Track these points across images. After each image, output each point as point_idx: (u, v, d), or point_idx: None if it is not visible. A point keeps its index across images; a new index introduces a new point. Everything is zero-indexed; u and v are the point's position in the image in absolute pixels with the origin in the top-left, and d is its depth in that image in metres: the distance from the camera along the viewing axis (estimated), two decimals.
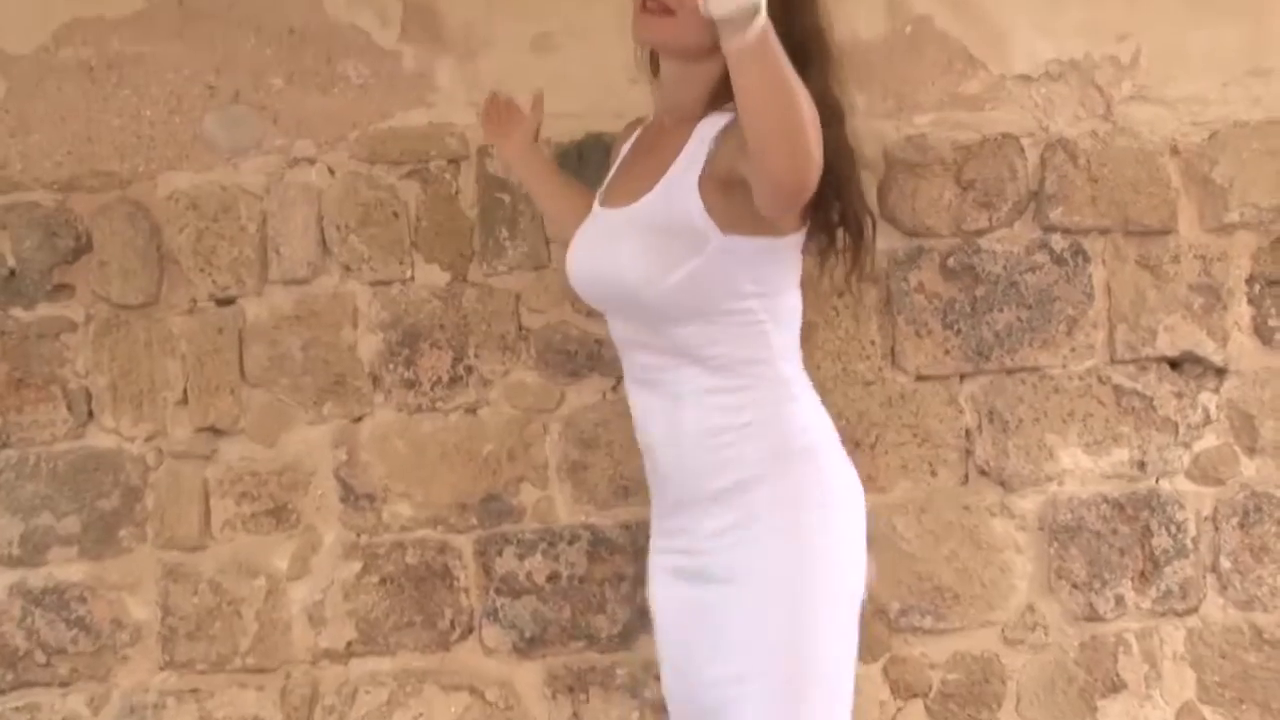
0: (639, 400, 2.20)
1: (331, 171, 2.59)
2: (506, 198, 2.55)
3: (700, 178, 2.04)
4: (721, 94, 2.11)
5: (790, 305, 2.16)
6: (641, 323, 2.13)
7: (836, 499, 2.15)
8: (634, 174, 2.20)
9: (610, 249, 2.13)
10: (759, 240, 2.03)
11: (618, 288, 2.11)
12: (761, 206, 2.01)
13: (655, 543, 2.25)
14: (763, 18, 1.71)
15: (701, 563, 2.12)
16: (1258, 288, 2.64)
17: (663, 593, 2.21)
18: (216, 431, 2.60)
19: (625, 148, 2.31)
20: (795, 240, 2.11)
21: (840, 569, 2.13)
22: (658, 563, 2.23)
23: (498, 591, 2.57)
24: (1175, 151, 2.64)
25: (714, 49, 2.04)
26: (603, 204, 2.22)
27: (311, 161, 2.60)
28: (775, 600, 2.08)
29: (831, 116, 2.10)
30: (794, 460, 2.13)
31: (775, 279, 2.10)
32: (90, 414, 2.61)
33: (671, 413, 2.13)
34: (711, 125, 2.10)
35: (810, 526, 2.10)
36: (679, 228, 2.05)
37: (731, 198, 2.02)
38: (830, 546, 2.12)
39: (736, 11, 1.71)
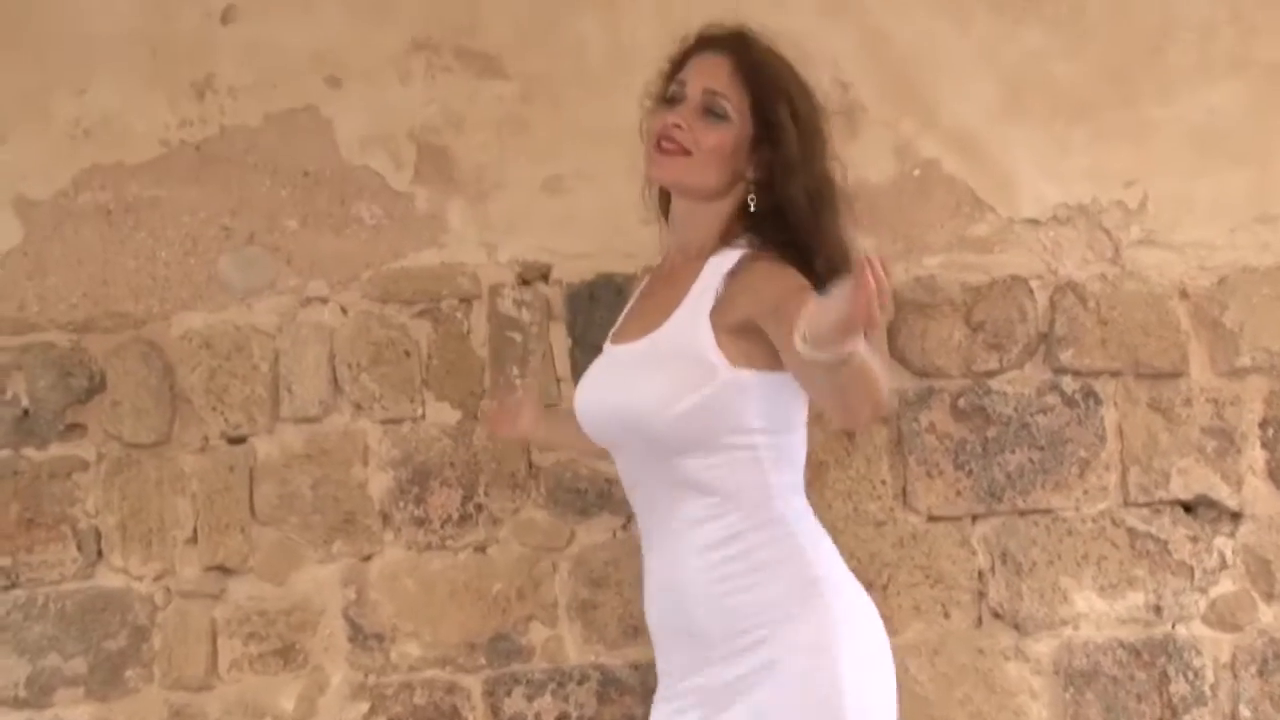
0: (646, 558, 2.17)
1: (344, 311, 2.61)
2: (518, 336, 2.55)
3: (711, 313, 2.04)
4: (731, 230, 2.14)
5: (795, 444, 2.14)
6: (647, 455, 2.10)
7: (853, 632, 2.09)
8: (645, 311, 2.19)
9: (620, 381, 2.13)
10: (767, 375, 2.01)
11: (626, 418, 2.09)
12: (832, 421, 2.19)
13: (666, 696, 2.19)
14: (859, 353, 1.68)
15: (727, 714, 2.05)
16: (1271, 432, 2.63)
17: None
18: (225, 570, 2.59)
19: (637, 292, 2.32)
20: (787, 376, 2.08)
21: (869, 703, 2.08)
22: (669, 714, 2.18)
23: None
24: (1185, 295, 2.65)
25: (727, 189, 2.12)
26: (613, 342, 2.21)
27: (324, 301, 2.62)
28: None
29: (846, 261, 2.11)
30: (805, 600, 2.08)
31: (781, 416, 2.08)
32: (100, 553, 2.60)
33: (675, 559, 2.09)
34: (724, 261, 2.09)
35: (831, 666, 2.05)
36: (689, 358, 2.04)
37: (741, 337, 2.02)
38: (856, 681, 2.07)
39: (829, 359, 1.69)
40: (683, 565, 2.09)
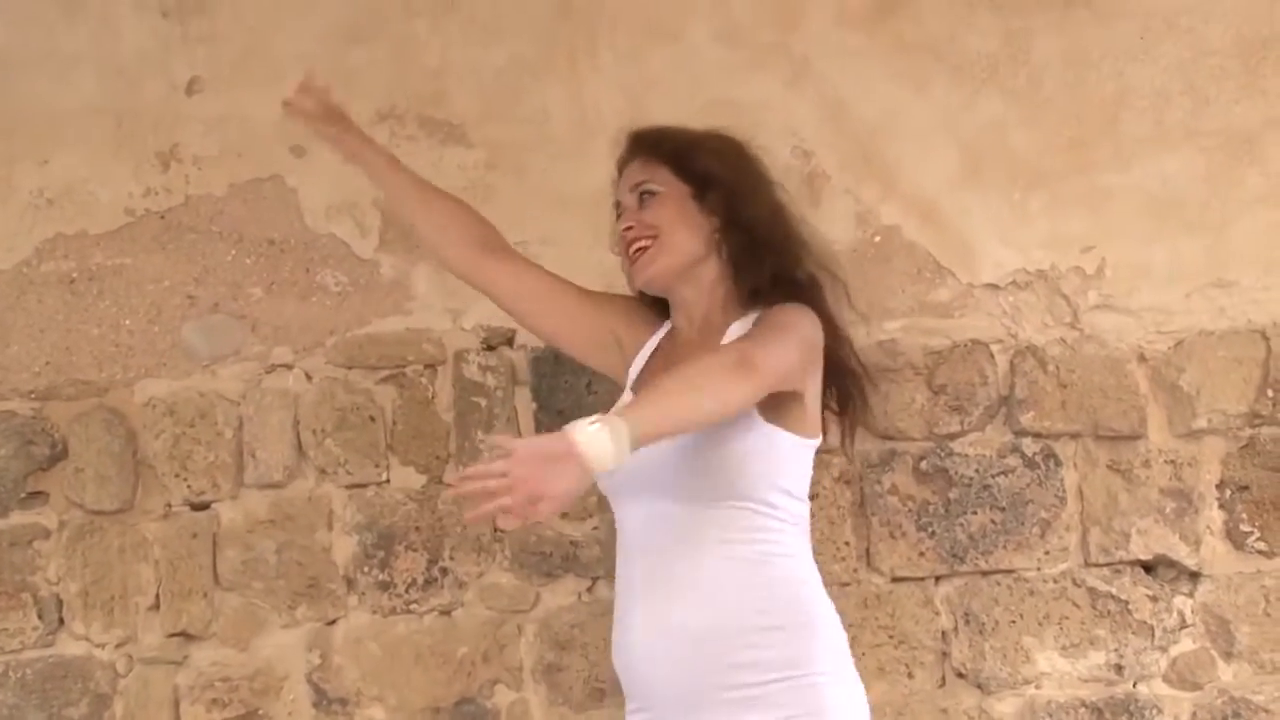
0: (641, 583, 2.09)
1: (309, 377, 2.60)
2: (482, 401, 2.53)
3: None
4: (735, 299, 2.16)
5: (804, 513, 2.13)
6: (674, 503, 2.07)
7: (846, 706, 2.07)
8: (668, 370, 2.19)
9: None
10: (792, 437, 2.03)
11: (662, 467, 2.05)
12: None
13: None
14: (619, 454, 1.75)
15: None
16: (1229, 493, 2.60)
17: None
18: (188, 636, 2.55)
19: (650, 346, 2.26)
20: (815, 445, 2.13)
21: None
22: None
23: None
24: (1142, 359, 2.63)
25: (703, 251, 2.14)
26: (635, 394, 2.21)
27: (289, 367, 2.61)
28: None
29: (814, 297, 2.16)
30: (841, 661, 2.08)
31: (798, 481, 2.10)
32: (61, 621, 2.56)
33: (689, 579, 2.04)
34: (744, 324, 2.11)
35: None
36: None
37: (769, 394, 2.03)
38: None
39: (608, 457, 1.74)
40: (703, 589, 2.04)
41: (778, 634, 2.05)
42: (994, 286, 2.63)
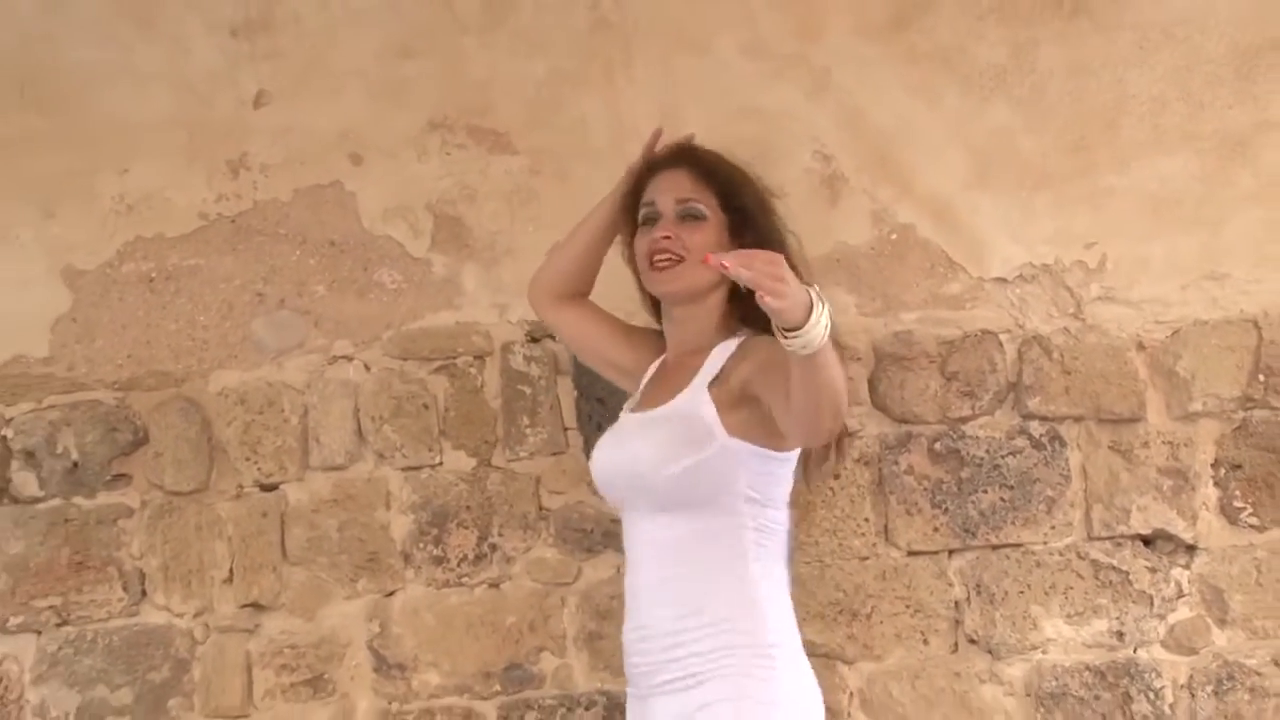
0: (631, 582, 2.17)
1: (367, 368, 2.65)
2: (527, 390, 2.59)
3: (710, 384, 2.07)
4: (726, 322, 2.19)
5: (777, 519, 2.15)
6: (645, 510, 2.12)
7: (786, 701, 2.10)
8: (656, 390, 2.22)
9: (629, 443, 2.14)
10: (760, 450, 2.04)
11: (629, 475, 2.11)
12: (790, 440, 2.06)
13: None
14: (826, 334, 1.75)
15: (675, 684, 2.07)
16: (1223, 471, 2.63)
17: None
18: (259, 607, 2.63)
19: (654, 368, 2.31)
20: (791, 457, 2.12)
21: None
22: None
23: None
24: (1141, 347, 2.66)
25: (719, 282, 2.16)
26: (645, 405, 2.22)
27: (349, 359, 2.66)
28: None
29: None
30: (747, 661, 2.09)
31: (769, 489, 2.10)
32: (144, 592, 2.65)
33: (647, 604, 2.12)
34: (727, 347, 2.14)
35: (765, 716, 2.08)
36: (689, 424, 2.07)
37: (739, 409, 2.05)
38: None
39: (809, 345, 1.74)
40: (651, 598, 2.11)
41: (709, 629, 2.07)
42: (1002, 280, 2.67)
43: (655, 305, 2.32)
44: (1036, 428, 2.64)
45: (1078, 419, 2.65)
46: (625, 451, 2.15)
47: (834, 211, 2.68)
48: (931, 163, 2.68)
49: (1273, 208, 2.69)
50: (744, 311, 2.18)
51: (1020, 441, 2.63)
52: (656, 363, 2.32)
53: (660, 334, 2.35)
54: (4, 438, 2.68)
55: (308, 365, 2.69)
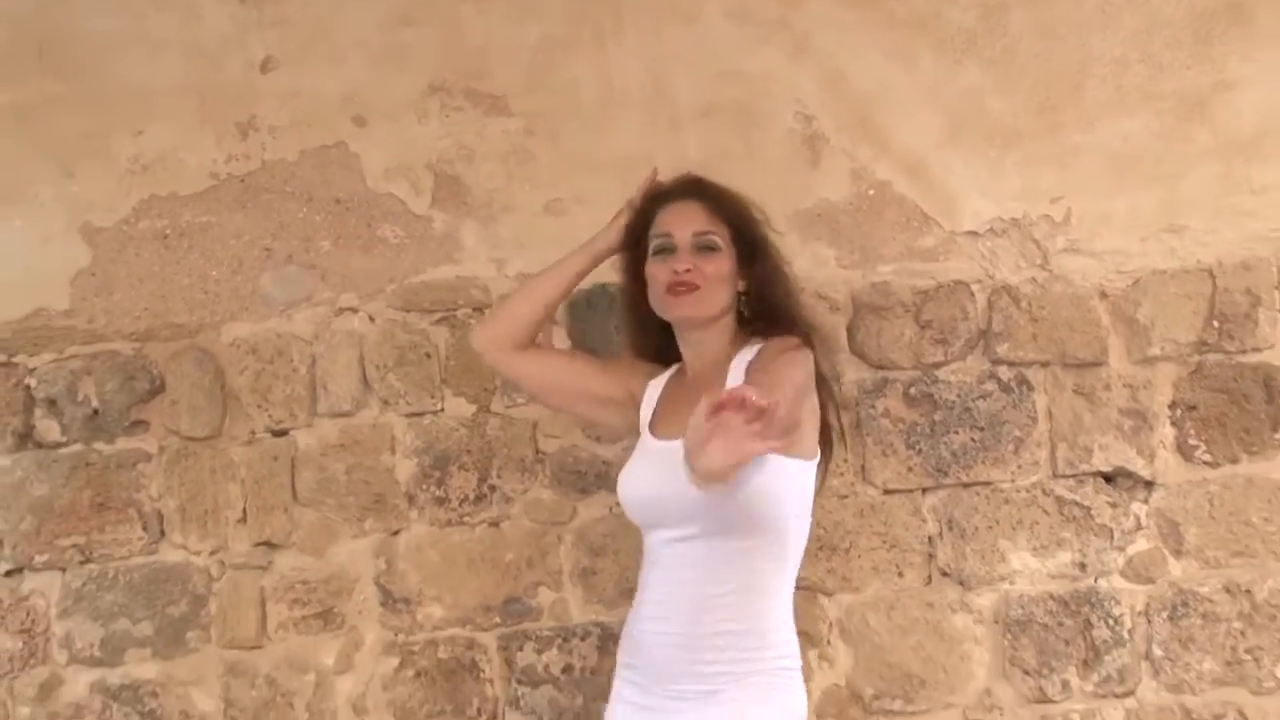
0: (657, 594, 2.17)
1: (372, 319, 2.68)
2: None
3: None
4: (738, 337, 2.26)
5: (805, 530, 2.20)
6: (695, 535, 2.12)
7: (802, 714, 2.16)
8: (683, 411, 2.16)
9: (677, 471, 2.02)
10: (799, 462, 2.10)
11: (685, 506, 2.08)
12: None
13: (623, 680, 2.22)
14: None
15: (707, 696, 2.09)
16: (1179, 412, 2.69)
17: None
18: (272, 545, 2.68)
19: (658, 389, 2.32)
20: (814, 465, 2.18)
21: None
22: (623, 695, 2.22)
23: (519, 682, 2.61)
24: (1104, 296, 2.70)
25: (730, 306, 2.25)
26: (659, 435, 2.23)
27: (354, 311, 2.69)
28: None
29: (817, 324, 2.30)
30: (775, 677, 2.15)
31: (806, 501, 2.17)
32: (162, 532, 2.69)
33: (686, 611, 2.11)
34: (744, 359, 2.21)
35: None
36: None
37: None
38: None
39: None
40: (679, 613, 2.12)
41: (732, 639, 2.11)
42: (973, 234, 2.72)
43: (643, 333, 2.35)
44: (1005, 372, 2.69)
45: (1044, 364, 2.70)
46: (676, 481, 2.02)
47: (815, 170, 2.72)
48: (907, 122, 2.71)
49: (1228, 164, 2.72)
50: (754, 321, 2.27)
51: (990, 385, 2.68)
52: (660, 383, 2.34)
53: (639, 358, 2.40)
54: (28, 387, 2.69)
55: (315, 317, 2.71)
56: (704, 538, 2.13)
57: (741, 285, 2.30)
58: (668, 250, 2.26)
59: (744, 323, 2.33)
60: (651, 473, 2.20)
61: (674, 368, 2.37)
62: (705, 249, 2.26)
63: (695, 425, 1.70)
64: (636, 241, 2.35)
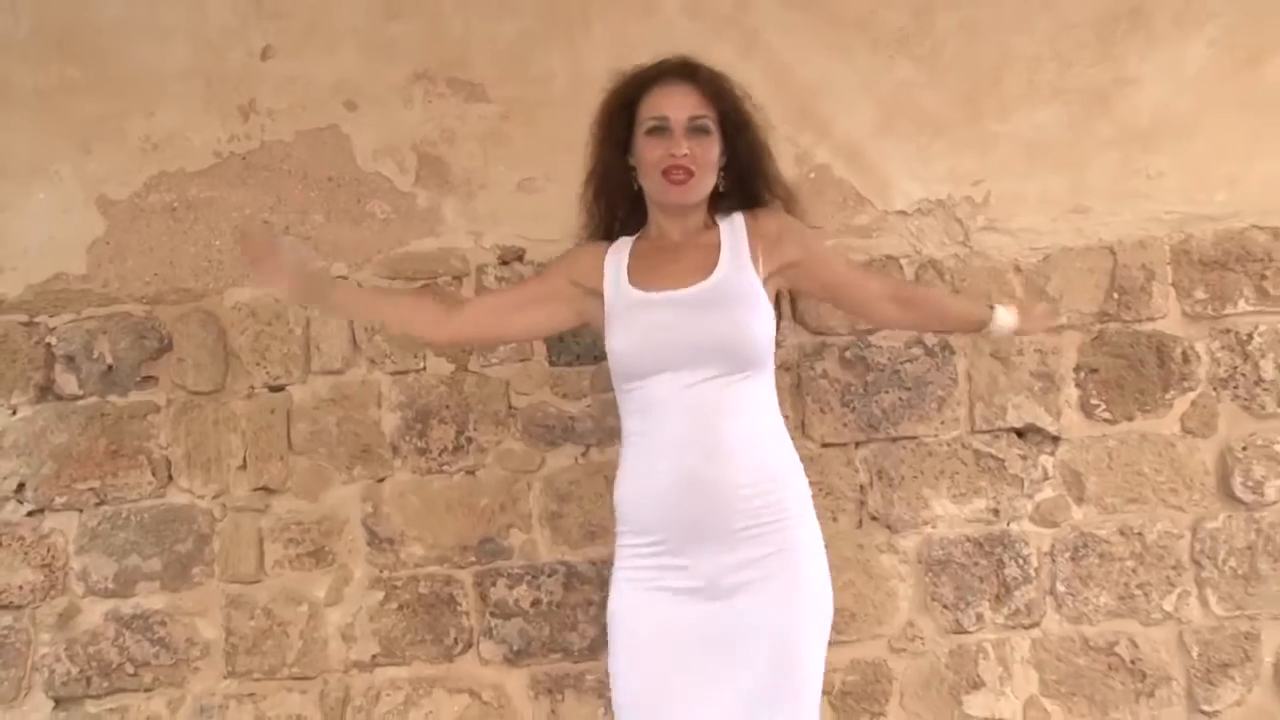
0: (674, 441, 2.15)
1: (361, 286, 2.73)
2: None
3: (753, 263, 2.22)
4: (712, 204, 2.30)
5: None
6: (725, 369, 2.16)
7: (809, 540, 2.24)
8: (674, 269, 2.24)
9: (716, 316, 2.17)
10: (774, 311, 2.24)
11: (733, 339, 2.16)
12: (879, 324, 2.61)
13: (647, 573, 2.19)
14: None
15: (731, 583, 2.13)
16: (1082, 374, 2.78)
17: (667, 613, 2.16)
18: (269, 490, 2.75)
19: (620, 256, 2.29)
20: None
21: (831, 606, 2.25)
22: (651, 586, 2.18)
23: (492, 614, 2.70)
24: (1018, 269, 2.78)
25: (715, 182, 2.28)
26: (650, 289, 2.22)
27: (345, 278, 2.74)
28: (811, 616, 2.19)
29: (789, 190, 2.38)
30: (807, 507, 2.25)
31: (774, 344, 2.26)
32: (170, 477, 2.76)
33: (719, 437, 2.14)
34: (731, 224, 2.27)
35: (822, 562, 2.23)
36: (748, 292, 2.20)
37: (772, 280, 2.25)
38: (830, 585, 2.24)
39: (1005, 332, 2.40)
40: (730, 446, 2.14)
41: (767, 485, 2.18)
42: (903, 213, 2.79)
43: (610, 207, 2.35)
44: (930, 338, 2.77)
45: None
46: (717, 325, 2.15)
47: None
48: (845, 112, 2.78)
49: (1127, 152, 2.79)
50: (731, 196, 2.31)
51: (916, 350, 2.76)
52: (620, 255, 2.30)
53: (594, 237, 2.37)
54: (48, 344, 2.74)
55: None
56: (723, 376, 2.16)
57: (724, 159, 2.28)
58: (660, 131, 2.23)
59: (719, 193, 2.32)
60: (673, 317, 2.18)
61: (629, 239, 2.33)
62: (699, 132, 2.23)
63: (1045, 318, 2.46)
64: (615, 117, 2.31)
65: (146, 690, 2.72)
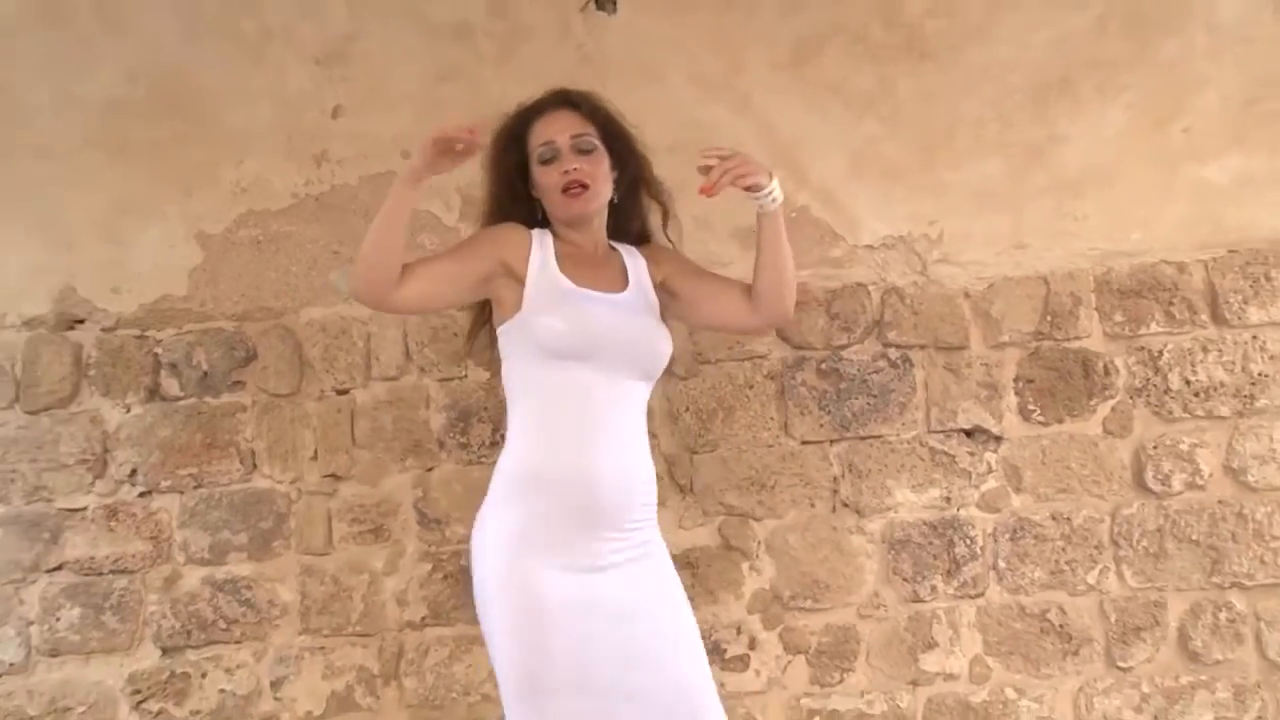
0: (593, 428, 2.14)
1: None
2: None
3: (649, 282, 2.27)
4: (609, 228, 2.33)
5: None
6: (640, 375, 2.20)
7: None
8: (597, 274, 2.25)
9: (643, 322, 2.23)
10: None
11: (651, 351, 2.22)
12: (739, 327, 2.30)
13: (564, 555, 2.12)
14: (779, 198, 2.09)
15: (641, 551, 2.19)
16: (1021, 384, 2.97)
17: (617, 581, 2.14)
18: (336, 477, 2.96)
19: (545, 249, 2.23)
20: None
21: None
22: (580, 562, 2.12)
23: None
24: (967, 295, 2.97)
25: (605, 203, 2.29)
26: (583, 287, 2.20)
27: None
28: (677, 585, 2.25)
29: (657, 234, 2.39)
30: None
31: None
32: (254, 466, 2.97)
33: (631, 437, 2.19)
34: (630, 254, 2.31)
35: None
36: (657, 313, 2.28)
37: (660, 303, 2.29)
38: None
39: (775, 194, 2.10)
40: (634, 451, 2.20)
41: (650, 486, 2.25)
42: (870, 247, 2.99)
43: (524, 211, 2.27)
44: (893, 353, 2.97)
45: (922, 347, 2.98)
46: (647, 333, 2.20)
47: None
48: (821, 162, 2.98)
49: (1058, 199, 3.00)
50: (625, 224, 2.36)
51: (881, 363, 2.97)
52: (544, 254, 2.22)
53: (507, 213, 2.30)
54: (155, 354, 2.98)
55: None
56: (645, 381, 2.23)
57: (613, 177, 2.28)
58: (551, 157, 2.23)
59: (617, 220, 2.33)
60: (611, 315, 2.19)
61: (545, 240, 2.26)
62: (583, 150, 2.23)
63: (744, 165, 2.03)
64: (505, 149, 2.30)
65: (236, 642, 2.95)
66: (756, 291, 2.22)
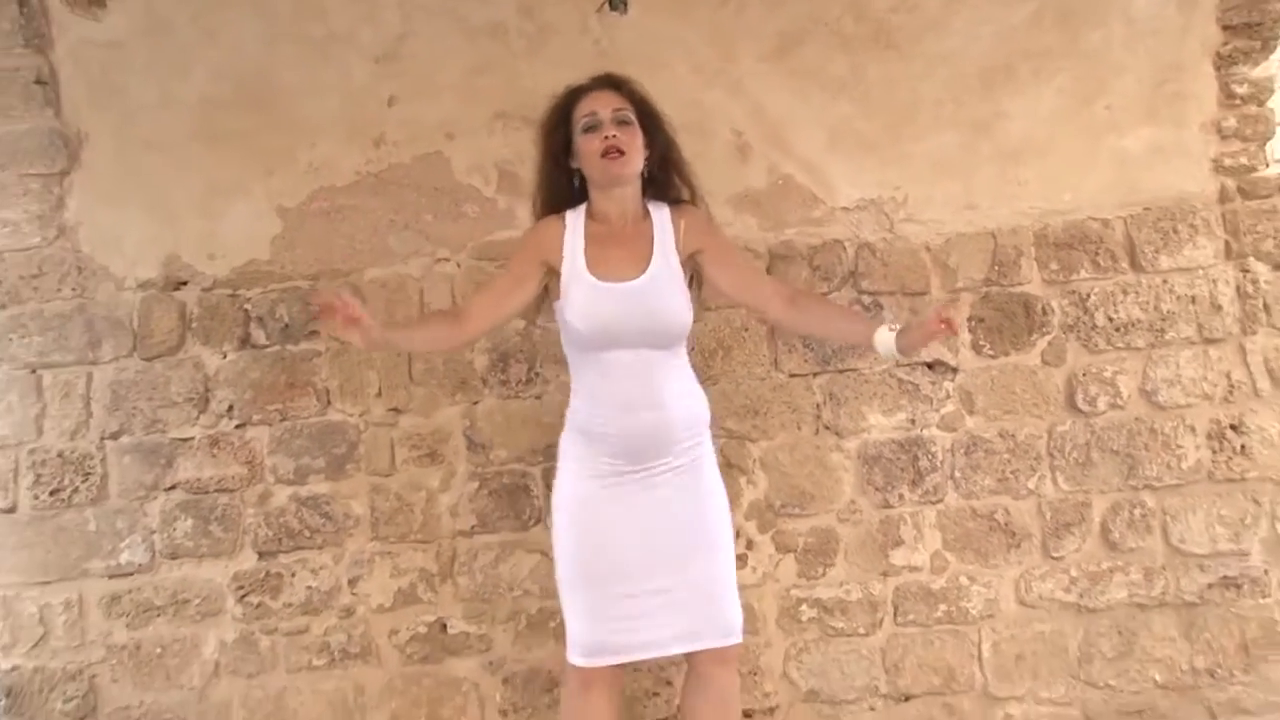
0: (626, 399, 2.39)
1: (459, 266, 3.25)
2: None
3: (673, 247, 2.47)
4: (644, 193, 2.51)
5: None
6: (661, 345, 2.43)
7: (711, 459, 2.59)
8: (619, 255, 2.44)
9: (660, 303, 2.40)
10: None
11: (670, 326, 2.41)
12: (756, 312, 2.61)
13: (615, 479, 2.44)
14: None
15: (690, 459, 2.45)
16: (973, 323, 3.29)
17: (649, 495, 2.42)
18: (397, 410, 3.27)
19: (576, 237, 2.45)
20: None
21: None
22: (628, 483, 2.44)
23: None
24: (928, 249, 3.27)
25: (641, 168, 2.48)
26: (604, 278, 2.42)
27: (447, 260, 3.25)
28: (714, 492, 2.54)
29: (692, 181, 2.62)
30: (705, 415, 2.60)
31: None
32: (329, 402, 3.29)
33: (661, 397, 2.44)
34: (660, 216, 2.49)
35: (716, 470, 2.61)
36: (678, 284, 2.47)
37: (686, 268, 2.50)
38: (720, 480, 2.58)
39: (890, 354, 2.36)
40: (667, 402, 2.44)
41: (692, 428, 2.51)
42: (846, 209, 3.28)
43: (555, 197, 2.51)
44: (866, 299, 3.27)
45: (891, 293, 3.29)
46: (665, 310, 2.37)
47: (744, 167, 3.28)
48: (803, 137, 3.26)
49: (1002, 166, 3.28)
50: (658, 191, 2.56)
51: (856, 308, 3.26)
52: (576, 233, 2.45)
53: (542, 212, 2.54)
54: (245, 309, 3.29)
55: (422, 265, 3.26)
56: (658, 350, 2.46)
57: (646, 151, 2.49)
58: (594, 127, 2.44)
59: (646, 184, 2.52)
60: (622, 307, 2.40)
61: (577, 216, 2.49)
62: (622, 122, 2.45)
63: (926, 337, 2.29)
64: (556, 127, 2.51)
65: (318, 548, 3.30)
66: (805, 326, 2.60)
